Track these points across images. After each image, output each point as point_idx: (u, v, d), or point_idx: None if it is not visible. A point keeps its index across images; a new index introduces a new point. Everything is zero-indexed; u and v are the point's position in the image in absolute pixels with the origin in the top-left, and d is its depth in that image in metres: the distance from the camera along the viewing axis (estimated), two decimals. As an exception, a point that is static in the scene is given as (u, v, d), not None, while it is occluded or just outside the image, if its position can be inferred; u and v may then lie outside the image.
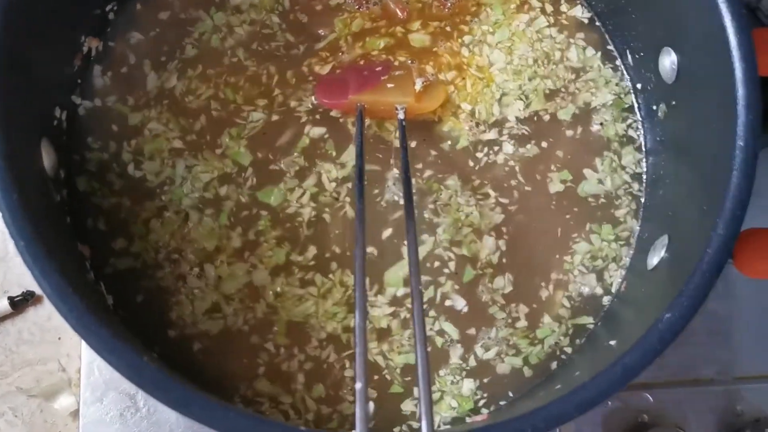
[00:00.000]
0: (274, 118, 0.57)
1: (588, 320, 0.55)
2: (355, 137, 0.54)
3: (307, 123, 0.57)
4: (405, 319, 0.54)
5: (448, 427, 0.52)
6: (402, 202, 0.55)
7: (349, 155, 0.57)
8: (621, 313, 0.53)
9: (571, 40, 0.60)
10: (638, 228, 0.57)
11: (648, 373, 0.65)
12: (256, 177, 0.55)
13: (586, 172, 0.58)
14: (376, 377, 0.53)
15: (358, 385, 0.39)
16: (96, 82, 0.57)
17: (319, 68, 0.58)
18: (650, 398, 0.67)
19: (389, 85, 0.56)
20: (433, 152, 0.57)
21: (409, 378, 0.53)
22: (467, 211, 0.56)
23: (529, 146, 0.58)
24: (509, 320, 0.54)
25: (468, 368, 0.53)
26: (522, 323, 0.54)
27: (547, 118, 0.59)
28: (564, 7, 0.61)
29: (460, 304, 0.54)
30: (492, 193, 0.57)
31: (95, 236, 0.53)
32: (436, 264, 0.55)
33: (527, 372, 0.53)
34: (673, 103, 0.54)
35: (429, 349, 0.53)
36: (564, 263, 0.56)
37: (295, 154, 0.56)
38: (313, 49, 0.59)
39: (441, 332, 0.54)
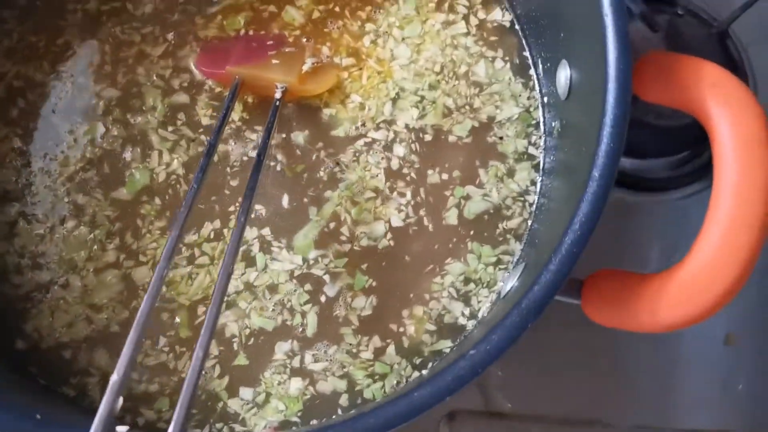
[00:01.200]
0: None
1: (446, 344, 0.51)
2: (220, 112, 0.50)
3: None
4: (294, 284, 0.51)
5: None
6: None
7: (151, 98, 0.54)
8: (475, 338, 0.49)
9: (485, 52, 0.56)
10: (519, 251, 0.52)
11: (542, 407, 0.63)
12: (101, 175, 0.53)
13: (470, 189, 0.53)
14: (221, 348, 0.50)
15: (114, 378, 0.35)
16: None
17: (151, 48, 0.55)
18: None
19: (274, 62, 0.53)
20: (316, 141, 0.54)
21: (254, 345, 0.50)
22: (374, 172, 0.53)
23: (418, 159, 0.53)
24: (354, 350, 0.50)
25: (291, 367, 0.50)
26: (366, 355, 0.50)
27: (437, 134, 0.54)
28: (483, 14, 0.56)
29: (331, 292, 0.51)
30: (408, 194, 0.53)
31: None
32: (332, 224, 0.52)
33: (344, 400, 0.49)
34: (564, 121, 0.49)
35: (284, 320, 0.50)
36: (433, 285, 0.51)
37: (111, 127, 0.53)
38: (206, 13, 0.56)
39: (303, 314, 0.50)
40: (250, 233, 0.52)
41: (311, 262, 0.51)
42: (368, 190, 0.53)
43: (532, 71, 0.55)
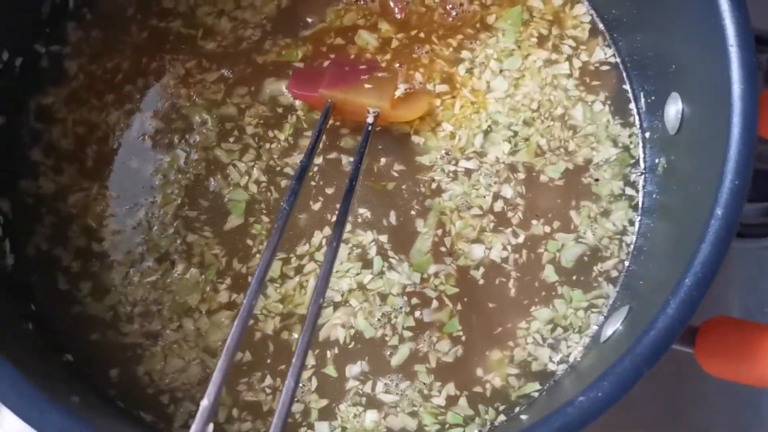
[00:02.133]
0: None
1: (534, 387, 0.48)
2: (312, 134, 0.49)
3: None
4: (404, 301, 0.49)
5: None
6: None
7: (197, 115, 0.53)
8: (566, 384, 0.46)
9: (584, 96, 0.53)
10: (615, 293, 0.49)
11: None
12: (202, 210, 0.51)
13: (562, 236, 0.51)
14: (316, 351, 0.48)
15: (204, 403, 0.34)
16: (69, 39, 0.54)
17: (200, 74, 0.54)
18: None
19: (367, 86, 0.51)
20: (400, 166, 0.52)
21: (344, 357, 0.48)
22: (482, 192, 0.51)
23: (524, 203, 0.51)
24: (426, 391, 0.48)
25: (366, 395, 0.48)
26: (438, 401, 0.48)
27: (529, 172, 0.52)
28: (586, 56, 0.54)
29: (427, 318, 0.49)
30: (513, 238, 0.51)
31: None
32: (440, 231, 0.50)
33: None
34: (672, 157, 0.47)
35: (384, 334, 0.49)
36: (518, 331, 0.49)
37: (189, 151, 0.52)
38: (297, 36, 0.55)
39: (401, 339, 0.49)
40: (365, 237, 0.51)
41: (424, 276, 0.50)
42: (475, 207, 0.51)
43: (632, 105, 0.53)
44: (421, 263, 0.50)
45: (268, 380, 0.48)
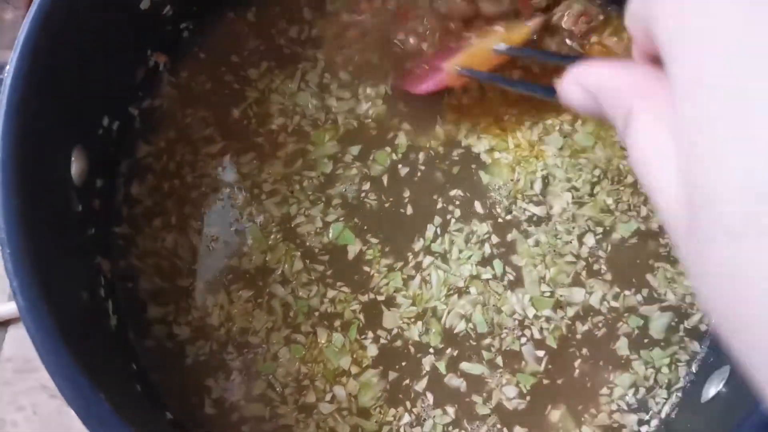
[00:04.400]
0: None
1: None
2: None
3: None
4: (515, 324, 0.48)
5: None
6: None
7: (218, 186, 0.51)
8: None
9: None
10: (702, 350, 0.49)
11: None
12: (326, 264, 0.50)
13: (646, 309, 0.49)
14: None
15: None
16: (160, 99, 0.53)
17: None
18: None
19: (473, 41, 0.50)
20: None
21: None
22: (566, 238, 0.50)
23: (604, 256, 0.50)
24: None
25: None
26: None
27: (600, 227, 0.51)
28: None
29: (527, 353, 0.48)
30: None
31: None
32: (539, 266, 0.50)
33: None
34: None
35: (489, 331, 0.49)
36: (600, 398, 0.47)
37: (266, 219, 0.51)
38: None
39: (495, 361, 0.48)
40: (480, 228, 0.50)
41: (537, 314, 0.49)
42: (567, 254, 0.50)
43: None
44: (540, 301, 0.49)
45: (406, 418, 0.47)
